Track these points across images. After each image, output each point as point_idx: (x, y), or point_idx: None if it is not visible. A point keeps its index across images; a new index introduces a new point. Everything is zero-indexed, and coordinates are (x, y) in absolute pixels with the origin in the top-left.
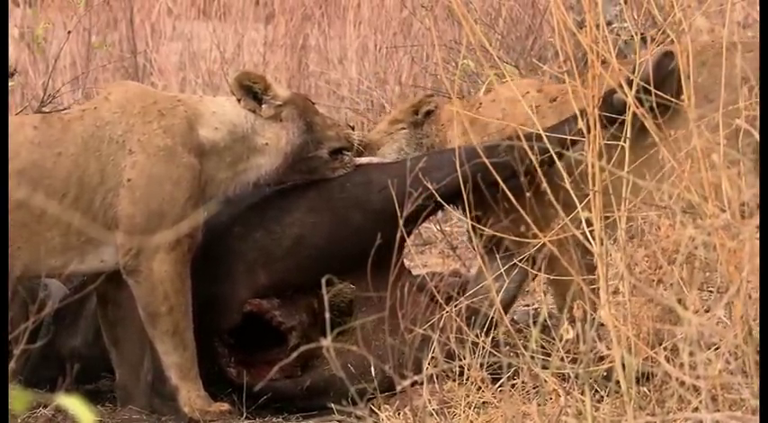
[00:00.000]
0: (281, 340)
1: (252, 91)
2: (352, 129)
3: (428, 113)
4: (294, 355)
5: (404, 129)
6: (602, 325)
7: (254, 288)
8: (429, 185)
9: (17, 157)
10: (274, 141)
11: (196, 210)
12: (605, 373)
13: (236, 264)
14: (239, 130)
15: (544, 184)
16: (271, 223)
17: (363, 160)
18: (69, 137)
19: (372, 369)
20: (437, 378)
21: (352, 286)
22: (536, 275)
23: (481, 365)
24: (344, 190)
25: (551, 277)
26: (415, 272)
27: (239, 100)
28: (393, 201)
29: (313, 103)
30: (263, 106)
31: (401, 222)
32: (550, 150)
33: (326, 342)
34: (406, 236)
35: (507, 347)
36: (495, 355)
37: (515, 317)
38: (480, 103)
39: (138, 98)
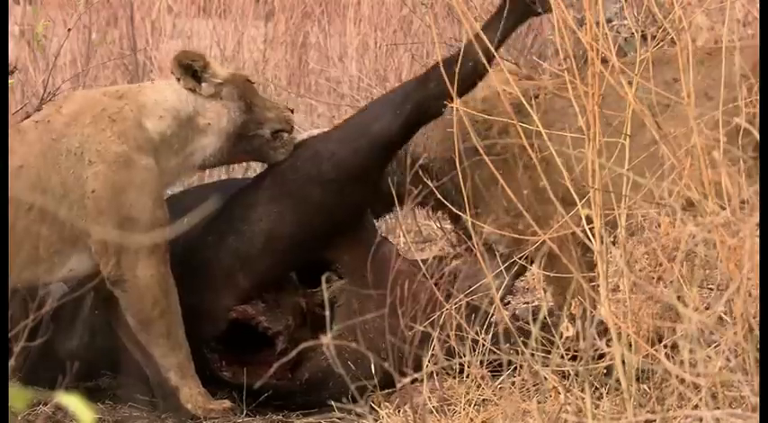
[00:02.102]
0: (269, 343)
1: (191, 69)
2: (292, 112)
3: None
4: (291, 355)
5: None
6: (602, 322)
7: (236, 293)
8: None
9: None
10: (216, 121)
11: (163, 210)
12: (605, 371)
13: (215, 273)
14: (182, 113)
15: (543, 182)
16: (239, 224)
17: (303, 135)
18: (27, 149)
19: (372, 366)
20: (437, 375)
21: (342, 280)
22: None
23: (481, 363)
24: (296, 169)
25: (551, 274)
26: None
27: (179, 79)
28: (344, 165)
29: (252, 84)
30: (203, 85)
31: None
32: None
33: (326, 339)
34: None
35: (507, 345)
36: (495, 353)
37: (516, 314)
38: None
39: (89, 107)
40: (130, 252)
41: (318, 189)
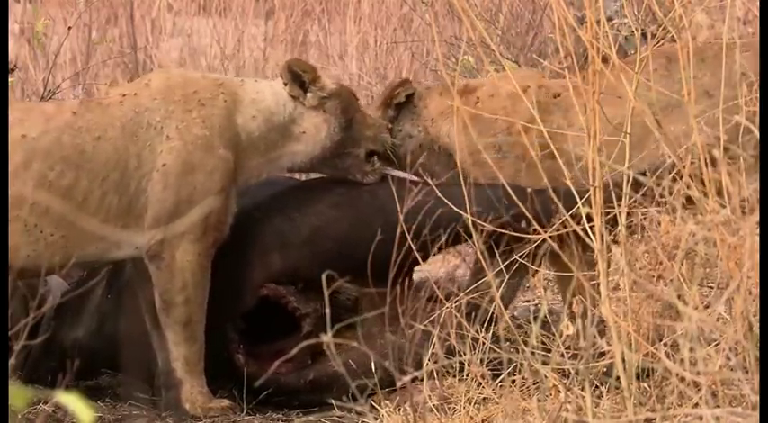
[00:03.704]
0: (293, 328)
1: (300, 79)
2: (390, 130)
3: (399, 106)
4: (300, 345)
5: None
6: (603, 321)
7: (267, 272)
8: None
9: (58, 142)
10: (312, 132)
11: (225, 203)
12: (605, 369)
13: (252, 246)
14: (276, 118)
15: (544, 181)
16: (291, 211)
17: (394, 173)
18: (107, 121)
19: (373, 366)
20: (437, 374)
21: (353, 286)
22: (536, 271)
23: (481, 361)
24: (376, 195)
25: (556, 273)
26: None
27: (285, 84)
28: (418, 221)
29: (357, 99)
30: (308, 95)
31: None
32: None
33: (327, 338)
34: (421, 260)
35: (507, 343)
36: (495, 351)
37: (516, 313)
38: (478, 99)
39: (179, 86)
40: (177, 233)
41: (383, 222)
